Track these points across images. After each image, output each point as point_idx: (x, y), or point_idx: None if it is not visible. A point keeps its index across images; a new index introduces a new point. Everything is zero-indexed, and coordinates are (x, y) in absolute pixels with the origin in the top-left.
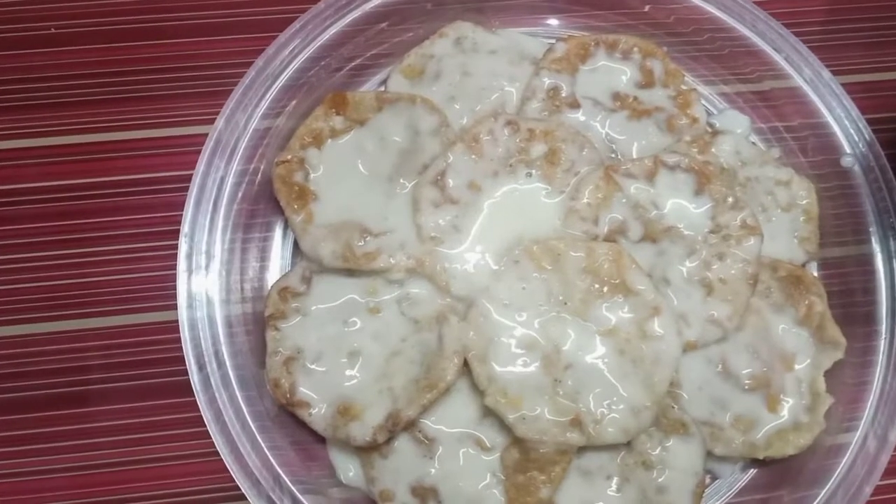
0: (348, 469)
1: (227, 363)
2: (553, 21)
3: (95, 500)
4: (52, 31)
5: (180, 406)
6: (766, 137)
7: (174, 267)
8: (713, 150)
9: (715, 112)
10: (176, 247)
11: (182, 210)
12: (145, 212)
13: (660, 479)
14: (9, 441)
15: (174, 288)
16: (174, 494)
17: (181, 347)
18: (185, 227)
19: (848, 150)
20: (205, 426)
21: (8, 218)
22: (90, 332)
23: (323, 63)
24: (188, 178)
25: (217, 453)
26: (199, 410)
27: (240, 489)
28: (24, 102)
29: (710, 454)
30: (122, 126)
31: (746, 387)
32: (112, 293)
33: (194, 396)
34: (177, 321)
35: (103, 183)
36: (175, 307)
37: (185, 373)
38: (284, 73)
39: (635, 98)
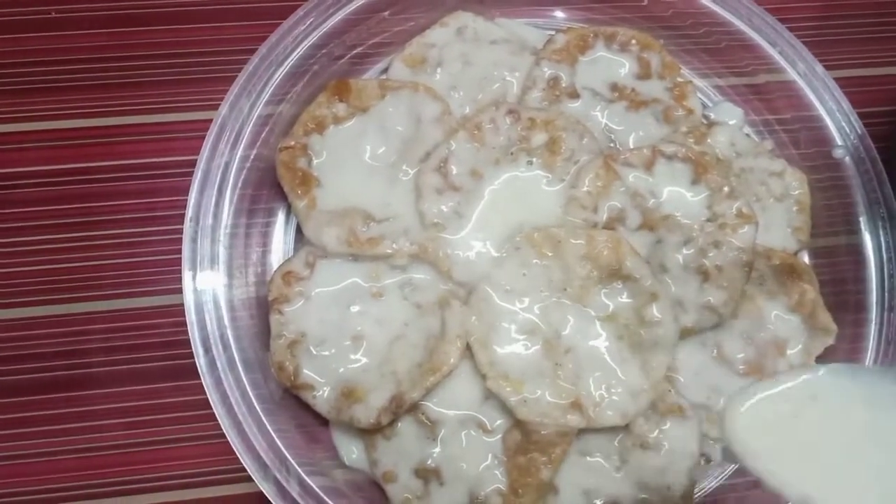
0: (352, 451)
1: (232, 346)
2: (552, 13)
3: (102, 481)
4: (53, 14)
5: (184, 389)
6: (759, 130)
7: (177, 251)
8: (709, 140)
9: (710, 104)
10: (179, 231)
11: (185, 195)
12: (148, 196)
13: (657, 461)
14: (14, 423)
15: (177, 272)
16: (181, 476)
17: (184, 331)
18: (189, 212)
19: (839, 142)
20: (209, 409)
21: (9, 201)
22: (93, 314)
23: (325, 51)
24: (191, 164)
25: (223, 435)
26: (203, 393)
27: (246, 471)
28: (27, 86)
29: (705, 436)
30: (124, 111)
31: (741, 371)
32: (116, 277)
33: (198, 379)
34: (179, 305)
35: (106, 167)
36: (177, 291)
37: (188, 356)
38: (288, 60)
39: (633, 89)
